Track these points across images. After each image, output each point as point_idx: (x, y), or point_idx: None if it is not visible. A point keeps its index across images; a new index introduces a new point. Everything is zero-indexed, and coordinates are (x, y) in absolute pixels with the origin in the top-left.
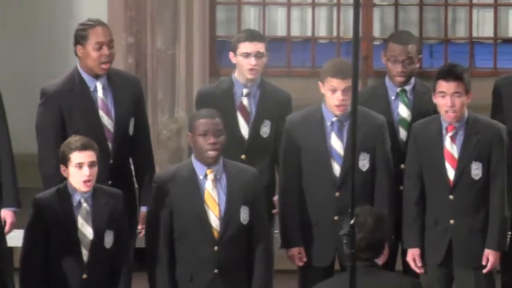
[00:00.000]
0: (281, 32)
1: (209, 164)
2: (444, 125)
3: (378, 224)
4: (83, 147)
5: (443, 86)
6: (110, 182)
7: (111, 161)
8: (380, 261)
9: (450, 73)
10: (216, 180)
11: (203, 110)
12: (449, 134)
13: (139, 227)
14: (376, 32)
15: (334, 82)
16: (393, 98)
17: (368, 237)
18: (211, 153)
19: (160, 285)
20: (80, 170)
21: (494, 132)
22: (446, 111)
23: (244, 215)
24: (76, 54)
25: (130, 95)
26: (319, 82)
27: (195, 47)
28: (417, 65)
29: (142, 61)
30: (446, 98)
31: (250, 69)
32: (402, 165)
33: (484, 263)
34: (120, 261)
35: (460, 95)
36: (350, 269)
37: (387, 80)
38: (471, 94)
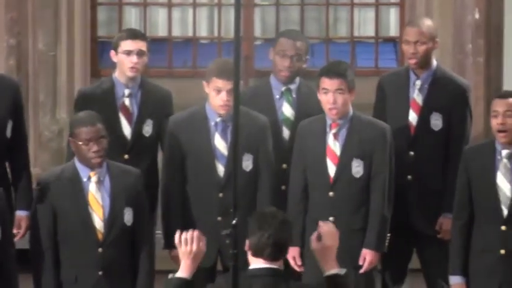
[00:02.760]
0: (162, 32)
1: (94, 167)
2: (328, 122)
3: (285, 224)
4: None
5: (326, 83)
6: None
7: None
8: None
9: (333, 70)
10: (99, 182)
11: (83, 116)
12: (333, 131)
13: (14, 230)
14: (257, 31)
15: (219, 83)
16: (278, 97)
17: (275, 235)
18: (97, 159)
19: (45, 286)
20: None
21: (378, 131)
22: (329, 108)
23: (128, 216)
24: None
25: (8, 97)
26: (204, 82)
27: (76, 48)
28: (304, 65)
29: (23, 62)
30: (328, 95)
31: (131, 68)
32: (284, 165)
33: (361, 262)
34: (6, 259)
35: (342, 91)
36: (233, 269)
37: (272, 78)
38: (354, 92)
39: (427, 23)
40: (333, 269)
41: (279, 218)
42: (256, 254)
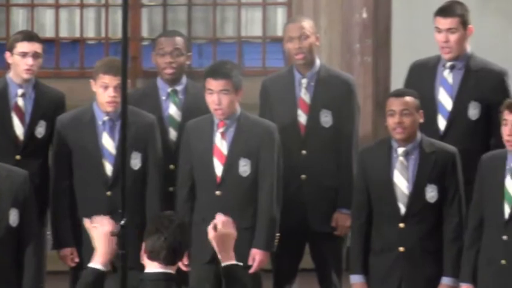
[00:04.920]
0: (50, 33)
1: None
2: (216, 121)
3: (182, 227)
4: None
5: (211, 83)
6: None
7: None
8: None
9: (218, 71)
10: None
11: None
12: (220, 130)
13: None
14: (145, 32)
15: (106, 78)
16: (164, 98)
17: (171, 238)
18: None
19: None
20: None
21: (264, 130)
22: (215, 109)
23: (13, 217)
24: None
25: None
26: (91, 80)
27: None
28: (187, 62)
29: None
30: (213, 96)
31: (27, 69)
32: (171, 166)
33: (250, 262)
34: None
35: (227, 92)
36: (121, 269)
37: (159, 80)
38: (241, 92)
39: (306, 19)
40: (230, 260)
41: (176, 222)
42: (151, 257)
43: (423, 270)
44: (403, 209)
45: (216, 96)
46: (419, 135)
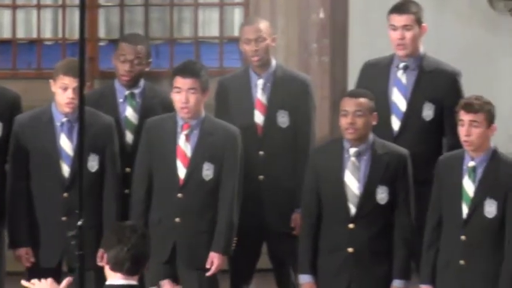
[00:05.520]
0: (6, 34)
1: None
2: (180, 122)
3: (144, 237)
4: None
5: (179, 82)
6: None
7: None
8: None
9: (187, 69)
10: None
11: None
12: (184, 132)
13: None
14: (102, 33)
15: (66, 80)
16: (121, 100)
17: (134, 249)
18: None
19: None
20: None
21: (228, 135)
22: (181, 108)
23: None
24: None
25: None
26: (51, 80)
27: None
28: (146, 68)
29: None
30: (181, 94)
31: None
32: (128, 169)
33: (208, 265)
34: None
35: (195, 91)
36: (79, 270)
37: (116, 82)
38: (208, 92)
39: (263, 21)
40: None
41: (138, 232)
42: (114, 268)
43: (372, 271)
44: (353, 210)
45: (183, 94)
46: (371, 136)
